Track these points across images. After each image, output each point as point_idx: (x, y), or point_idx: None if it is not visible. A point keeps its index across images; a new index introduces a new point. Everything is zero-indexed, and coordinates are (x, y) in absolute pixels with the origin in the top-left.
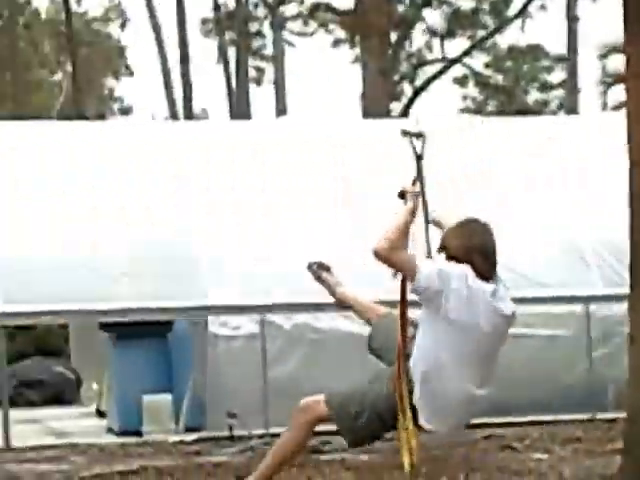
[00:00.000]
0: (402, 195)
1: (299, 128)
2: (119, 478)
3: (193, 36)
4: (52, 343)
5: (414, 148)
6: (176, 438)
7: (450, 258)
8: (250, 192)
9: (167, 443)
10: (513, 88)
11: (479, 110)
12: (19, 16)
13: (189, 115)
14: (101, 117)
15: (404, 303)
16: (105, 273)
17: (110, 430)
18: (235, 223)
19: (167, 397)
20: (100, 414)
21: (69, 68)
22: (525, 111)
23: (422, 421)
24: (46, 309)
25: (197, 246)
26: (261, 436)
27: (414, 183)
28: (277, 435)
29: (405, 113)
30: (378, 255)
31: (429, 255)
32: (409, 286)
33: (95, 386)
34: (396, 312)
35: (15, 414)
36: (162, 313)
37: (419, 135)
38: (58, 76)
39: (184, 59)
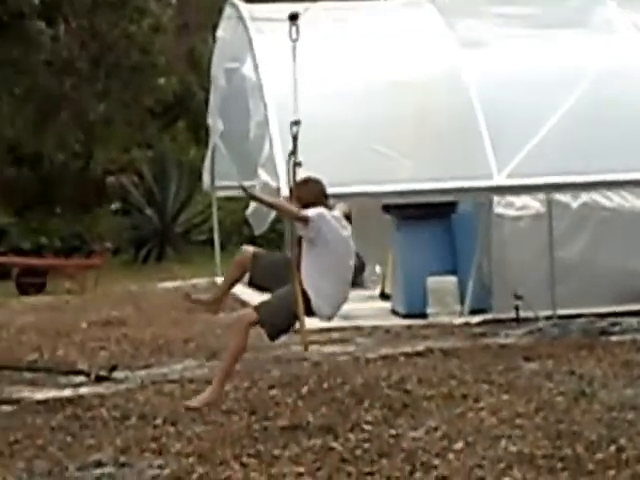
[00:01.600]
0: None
1: None
2: (405, 359)
3: None
4: None
5: (292, 131)
6: (461, 320)
7: (306, 205)
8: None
9: (452, 325)
10: None
11: None
12: None
13: None
14: None
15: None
16: (388, 155)
17: (394, 312)
18: (524, 100)
19: (452, 279)
20: (384, 297)
21: None
22: None
23: (314, 309)
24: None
25: (483, 125)
26: (548, 317)
27: (290, 157)
28: (564, 317)
29: None
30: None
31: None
32: (303, 229)
33: (379, 269)
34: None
35: None
36: (446, 194)
37: (297, 122)
38: None
39: None
